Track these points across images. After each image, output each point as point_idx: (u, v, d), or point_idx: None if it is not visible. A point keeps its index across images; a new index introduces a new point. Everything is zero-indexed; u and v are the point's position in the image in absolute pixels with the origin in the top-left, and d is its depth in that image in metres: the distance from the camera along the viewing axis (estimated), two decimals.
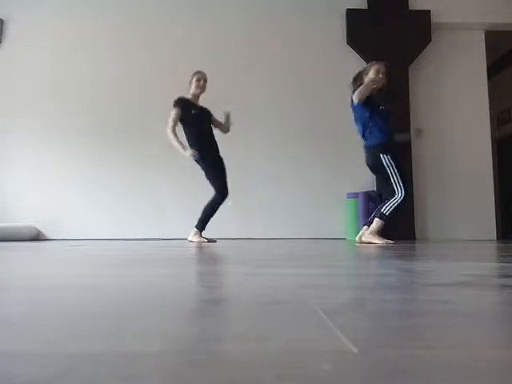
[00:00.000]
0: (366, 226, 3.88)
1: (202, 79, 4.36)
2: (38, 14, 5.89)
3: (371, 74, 3.85)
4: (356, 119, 3.98)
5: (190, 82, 4.38)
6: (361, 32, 5.67)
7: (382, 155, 3.77)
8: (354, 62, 5.65)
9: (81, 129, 5.72)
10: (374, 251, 2.74)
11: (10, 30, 5.93)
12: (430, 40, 5.74)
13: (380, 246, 3.31)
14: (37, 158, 5.72)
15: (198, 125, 4.33)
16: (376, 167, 3.90)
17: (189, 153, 4.17)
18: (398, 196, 3.73)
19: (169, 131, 4.24)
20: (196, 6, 5.88)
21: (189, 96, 4.38)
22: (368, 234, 3.77)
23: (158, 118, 5.70)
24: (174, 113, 4.28)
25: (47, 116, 5.75)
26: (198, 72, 4.39)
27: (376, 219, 3.77)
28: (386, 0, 5.76)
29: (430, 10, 5.74)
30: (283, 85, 5.75)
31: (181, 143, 4.21)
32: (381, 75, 3.84)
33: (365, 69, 3.97)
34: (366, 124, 3.87)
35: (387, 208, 3.74)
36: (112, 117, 5.75)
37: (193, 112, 4.30)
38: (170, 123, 4.26)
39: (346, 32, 5.77)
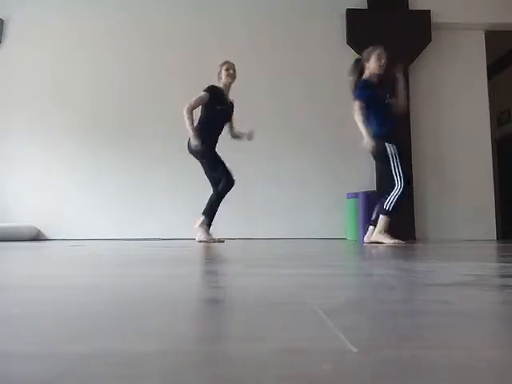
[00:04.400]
0: (371, 226, 3.87)
1: (231, 69, 4.34)
2: (38, 14, 5.89)
3: (373, 61, 3.85)
4: None
5: (220, 72, 4.35)
6: (361, 32, 5.67)
7: (387, 144, 3.75)
8: None
9: (81, 129, 5.73)
10: (373, 251, 2.74)
11: (10, 30, 5.93)
12: (430, 40, 5.74)
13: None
14: (37, 158, 5.72)
15: (218, 121, 4.30)
16: (380, 156, 3.86)
17: (196, 142, 4.09)
18: (398, 188, 3.70)
19: (186, 110, 4.10)
20: (196, 6, 5.88)
21: (221, 86, 4.34)
22: (377, 234, 3.74)
23: (158, 118, 5.71)
24: (200, 96, 4.19)
25: (47, 116, 5.76)
26: (227, 62, 4.36)
27: (380, 217, 3.75)
28: (386, 0, 5.76)
29: (429, 10, 5.75)
30: (283, 85, 5.75)
31: (194, 128, 4.11)
32: (383, 61, 3.84)
33: (363, 56, 3.93)
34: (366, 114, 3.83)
35: (389, 203, 3.71)
36: (112, 117, 5.75)
37: (218, 108, 4.25)
38: (191, 104, 4.14)
39: (346, 32, 5.77)
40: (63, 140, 5.73)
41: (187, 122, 4.11)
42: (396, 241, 3.65)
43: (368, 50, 3.94)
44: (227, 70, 4.32)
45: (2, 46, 5.93)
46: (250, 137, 4.48)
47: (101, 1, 5.95)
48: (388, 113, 3.83)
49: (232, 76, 4.34)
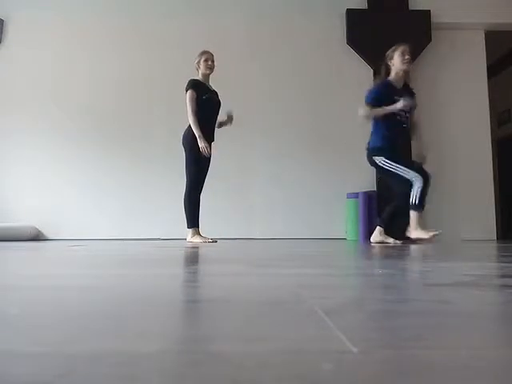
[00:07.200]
0: (378, 227, 3.85)
1: (209, 59, 4.28)
2: (38, 13, 5.89)
3: (396, 58, 3.79)
4: None
5: (198, 62, 4.29)
6: (361, 32, 5.66)
7: (376, 158, 3.75)
8: (354, 61, 5.66)
9: (81, 129, 5.72)
10: (374, 251, 2.74)
11: (10, 30, 5.93)
12: (430, 40, 5.74)
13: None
14: (37, 158, 5.72)
15: (206, 110, 4.24)
16: (374, 167, 3.90)
17: (202, 145, 4.09)
18: (418, 182, 3.63)
19: (191, 115, 4.12)
20: (196, 6, 5.88)
21: (199, 77, 4.29)
22: (413, 231, 3.67)
23: (158, 118, 5.71)
24: (190, 95, 4.17)
25: (47, 116, 5.75)
26: (206, 52, 4.31)
27: (411, 212, 3.68)
28: (386, 0, 5.76)
29: (429, 10, 5.74)
30: (283, 85, 5.75)
31: (201, 132, 4.11)
32: (406, 56, 3.77)
33: (387, 55, 3.87)
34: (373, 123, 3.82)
35: (415, 197, 3.64)
36: (112, 117, 5.75)
37: (204, 97, 4.21)
38: (190, 107, 4.14)
39: (346, 32, 5.77)
40: (63, 140, 5.73)
41: (196, 126, 4.10)
42: (431, 234, 3.59)
43: (392, 48, 3.87)
44: (206, 60, 4.27)
45: (1, 45, 5.92)
46: (230, 119, 4.35)
47: (101, 1, 5.94)
48: (397, 125, 3.75)
49: (211, 67, 4.28)
